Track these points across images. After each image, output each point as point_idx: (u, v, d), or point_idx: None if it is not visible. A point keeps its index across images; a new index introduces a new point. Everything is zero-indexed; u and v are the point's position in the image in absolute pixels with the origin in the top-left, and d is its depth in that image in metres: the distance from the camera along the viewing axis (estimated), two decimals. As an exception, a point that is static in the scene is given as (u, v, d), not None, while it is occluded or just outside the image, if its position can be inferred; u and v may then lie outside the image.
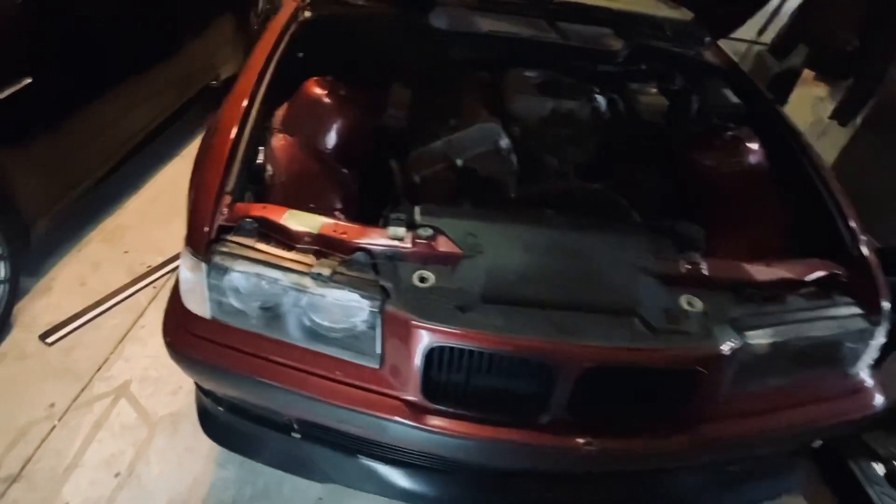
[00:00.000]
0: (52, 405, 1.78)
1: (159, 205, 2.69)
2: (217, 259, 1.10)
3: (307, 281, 1.08)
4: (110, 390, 1.85)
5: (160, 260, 2.37)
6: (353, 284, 1.07)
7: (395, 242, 1.13)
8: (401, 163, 1.59)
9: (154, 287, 2.25)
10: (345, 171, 1.51)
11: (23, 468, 1.61)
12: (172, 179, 2.89)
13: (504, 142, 1.47)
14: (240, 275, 1.10)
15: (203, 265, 1.11)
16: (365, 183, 1.56)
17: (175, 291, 1.27)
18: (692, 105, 1.73)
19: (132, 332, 2.06)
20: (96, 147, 2.37)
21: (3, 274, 1.87)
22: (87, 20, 2.23)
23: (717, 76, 1.88)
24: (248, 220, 1.14)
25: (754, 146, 1.57)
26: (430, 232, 1.13)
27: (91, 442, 1.70)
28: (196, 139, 3.23)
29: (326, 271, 1.08)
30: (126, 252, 2.40)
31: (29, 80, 1.90)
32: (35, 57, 1.98)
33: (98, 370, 1.91)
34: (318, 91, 1.51)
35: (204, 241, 1.12)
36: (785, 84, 2.83)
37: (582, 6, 1.99)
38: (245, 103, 1.38)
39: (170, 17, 2.85)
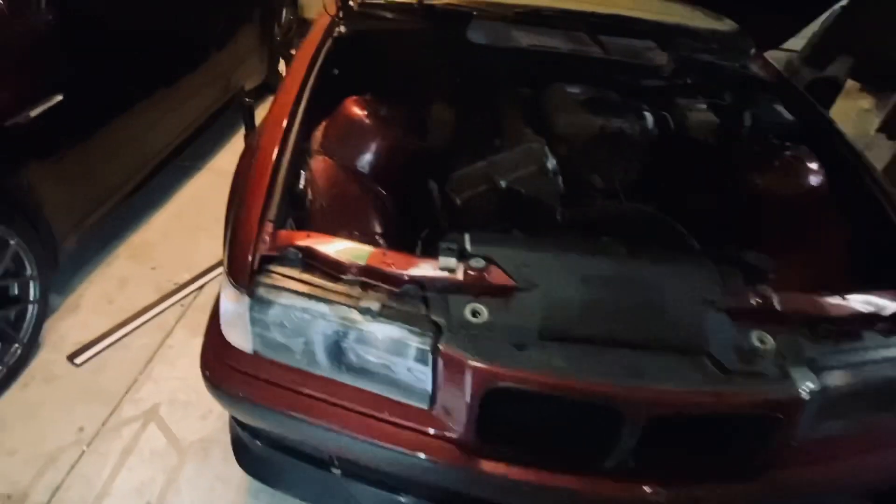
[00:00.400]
0: (82, 429, 1.74)
1: (185, 220, 2.67)
2: (261, 292, 1.05)
3: (355, 315, 1.03)
4: (139, 414, 1.81)
5: (187, 277, 2.34)
6: (403, 319, 1.02)
7: (446, 274, 1.07)
8: (439, 184, 1.53)
9: (182, 305, 2.21)
10: (384, 192, 1.46)
11: (52, 496, 1.57)
12: (197, 193, 2.86)
13: (550, 162, 1.41)
14: (284, 308, 1.05)
15: (246, 297, 1.06)
16: (402, 204, 1.51)
17: (213, 321, 1.22)
18: (744, 122, 1.66)
19: (160, 351, 2.02)
20: (125, 162, 2.35)
21: (33, 294, 1.84)
22: (117, 35, 2.21)
23: (767, 90, 1.80)
24: (292, 249, 1.09)
25: (814, 166, 1.49)
26: (482, 263, 1.07)
27: (121, 469, 1.65)
28: (220, 152, 3.23)
29: (375, 305, 1.02)
30: (153, 268, 2.37)
31: (60, 98, 1.88)
32: (66, 74, 1.96)
33: (127, 392, 1.87)
34: (357, 111, 1.46)
35: (246, 271, 1.07)
36: (824, 94, 2.74)
37: (622, 18, 1.92)
38: (284, 125, 1.33)
39: (197, 30, 2.84)
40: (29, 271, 1.80)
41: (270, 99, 3.86)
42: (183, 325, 2.13)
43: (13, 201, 1.76)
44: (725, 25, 2.07)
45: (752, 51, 2.00)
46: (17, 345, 1.82)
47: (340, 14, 1.87)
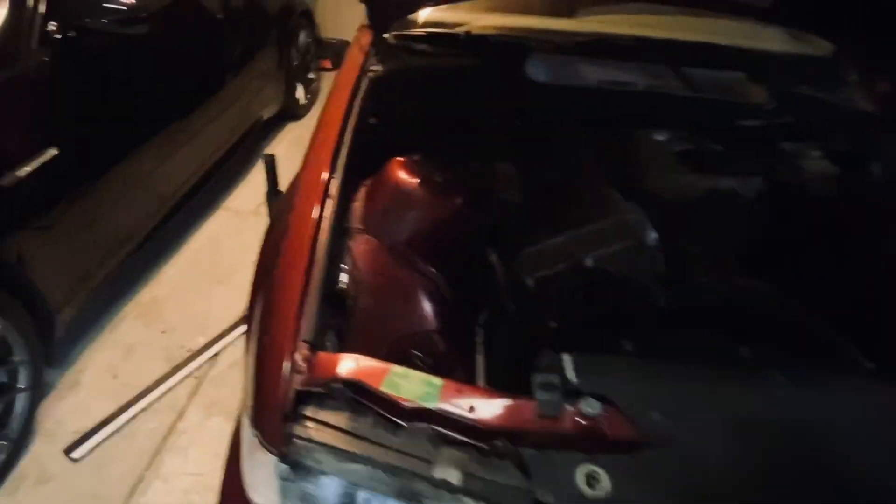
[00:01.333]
0: (78, 546, 1.48)
1: (198, 271, 2.41)
2: (296, 451, 0.77)
3: (426, 488, 0.75)
4: (146, 523, 1.55)
5: (201, 341, 2.08)
6: (493, 495, 0.73)
7: (548, 423, 0.78)
8: (503, 258, 1.25)
9: (195, 377, 1.95)
10: (436, 272, 1.17)
11: None
12: (212, 238, 2.61)
13: (651, 236, 1.12)
14: (328, 478, 0.77)
15: (275, 459, 0.79)
16: (458, 283, 1.22)
17: (232, 465, 0.94)
18: (872, 172, 1.35)
19: (170, 438, 1.76)
20: (132, 212, 2.10)
21: (23, 381, 1.59)
22: (120, 71, 1.98)
23: (887, 129, 1.49)
24: (336, 385, 0.81)
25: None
26: (597, 408, 0.78)
27: None
28: (236, 189, 2.98)
29: (455, 475, 0.74)
30: (163, 332, 2.11)
31: (55, 152, 1.64)
32: (61, 122, 1.72)
33: (132, 494, 1.60)
34: (406, 178, 1.18)
35: (276, 422, 0.79)
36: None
37: (704, 46, 1.63)
38: (318, 197, 1.06)
39: (210, 59, 2.60)
40: (17, 356, 1.55)
41: (288, 128, 3.69)
42: (197, 403, 1.87)
43: (4, 283, 1.51)
44: (820, 48, 1.76)
45: (854, 78, 1.70)
46: (4, 442, 1.56)
47: (375, 50, 1.61)
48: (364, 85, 1.45)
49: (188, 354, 2.02)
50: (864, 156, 1.40)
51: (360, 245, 1.09)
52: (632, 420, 0.78)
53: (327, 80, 4.12)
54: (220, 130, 2.66)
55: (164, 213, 2.28)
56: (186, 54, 2.39)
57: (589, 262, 1.14)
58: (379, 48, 1.62)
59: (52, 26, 1.69)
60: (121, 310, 2.18)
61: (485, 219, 1.22)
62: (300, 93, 3.74)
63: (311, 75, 3.94)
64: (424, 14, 1.69)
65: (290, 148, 3.44)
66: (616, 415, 0.78)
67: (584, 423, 0.78)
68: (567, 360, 0.84)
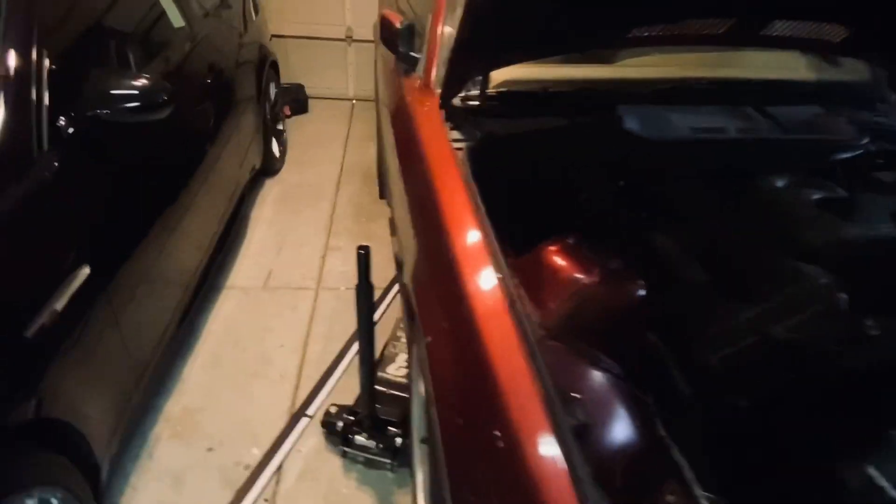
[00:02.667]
0: None
1: (225, 368, 2.14)
2: None
3: None
4: None
5: (257, 453, 1.82)
6: None
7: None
8: (665, 337, 1.15)
9: (265, 501, 1.70)
10: (619, 367, 1.06)
11: None
12: (227, 326, 2.34)
13: (842, 298, 1.07)
14: None
15: None
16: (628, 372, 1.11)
17: None
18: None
19: (261, 581, 1.51)
20: (158, 316, 1.82)
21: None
22: (135, 163, 1.71)
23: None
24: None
25: None
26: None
27: None
28: (235, 264, 2.68)
29: None
30: (210, 449, 1.83)
31: (87, 271, 1.37)
32: (89, 233, 1.45)
33: None
34: (579, 270, 1.05)
35: None
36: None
37: (775, 83, 1.64)
38: (504, 309, 0.90)
39: (209, 132, 2.34)
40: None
41: (268, 186, 3.42)
42: (277, 532, 1.62)
43: (50, 443, 1.22)
44: (856, 73, 1.84)
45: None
46: None
47: (447, 118, 1.48)
48: (463, 158, 1.32)
49: (248, 471, 1.76)
50: None
51: (557, 357, 0.95)
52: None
53: (291, 130, 3.89)
54: (218, 204, 2.40)
55: (185, 306, 2.00)
56: (191, 130, 2.13)
57: (779, 333, 1.07)
58: (452, 116, 1.50)
59: (61, 121, 1.42)
60: (151, 430, 1.87)
61: (656, 301, 1.12)
62: (274, 147, 3.50)
63: (280, 126, 3.72)
64: (494, 75, 1.59)
65: (277, 208, 3.20)
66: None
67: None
68: None
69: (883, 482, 0.84)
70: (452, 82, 1.44)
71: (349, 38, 4.49)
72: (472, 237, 1.08)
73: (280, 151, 3.60)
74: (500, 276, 0.98)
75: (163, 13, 2.20)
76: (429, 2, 2.19)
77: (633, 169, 1.38)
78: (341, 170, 3.66)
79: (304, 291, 2.57)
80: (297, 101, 4.41)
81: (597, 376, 0.96)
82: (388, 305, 2.49)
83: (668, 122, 1.47)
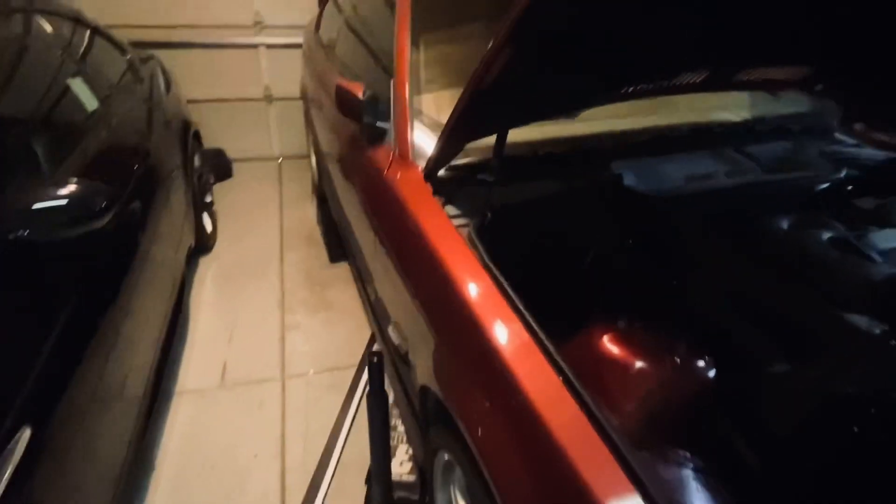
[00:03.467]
0: None
1: (195, 497, 1.83)
2: None
3: None
4: None
5: None
6: None
7: None
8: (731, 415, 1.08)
9: None
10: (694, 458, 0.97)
11: None
12: (189, 439, 2.02)
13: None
14: None
15: None
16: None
17: None
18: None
19: None
20: (113, 450, 1.51)
21: None
22: (68, 279, 1.43)
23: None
24: None
25: None
26: None
27: None
28: (182, 364, 2.37)
29: None
30: None
31: (29, 432, 1.09)
32: (26, 385, 1.16)
33: None
34: (644, 360, 0.97)
35: None
36: None
37: (745, 124, 1.69)
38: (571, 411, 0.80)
39: (144, 221, 2.05)
40: None
41: (203, 264, 3.11)
42: None
43: None
44: (801, 105, 1.94)
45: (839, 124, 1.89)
46: None
47: (437, 192, 1.37)
48: (472, 237, 1.21)
49: None
50: None
51: (654, 471, 0.84)
52: None
53: (218, 198, 3.60)
54: (159, 302, 2.11)
55: (141, 425, 1.70)
56: (123, 226, 1.85)
57: (846, 390, 1.03)
58: (440, 189, 1.39)
59: (-24, 250, 1.15)
60: None
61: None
62: (206, 221, 3.21)
63: (209, 198, 3.43)
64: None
65: (218, 289, 2.91)
66: None
67: None
68: None
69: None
70: (444, 154, 1.33)
71: (269, 97, 4.30)
72: (514, 331, 0.98)
73: (212, 225, 3.31)
74: (568, 377, 0.87)
75: (73, 96, 1.94)
76: (371, 67, 2.12)
77: (646, 229, 1.33)
78: (282, 236, 3.42)
79: (268, 383, 2.30)
80: (220, 166, 4.12)
81: (694, 482, 0.87)
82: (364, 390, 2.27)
83: (664, 174, 1.46)
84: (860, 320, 1.09)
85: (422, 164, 1.49)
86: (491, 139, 1.35)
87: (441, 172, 1.43)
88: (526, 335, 0.99)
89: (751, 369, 1.05)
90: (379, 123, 1.66)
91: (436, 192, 1.40)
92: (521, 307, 1.03)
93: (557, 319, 1.02)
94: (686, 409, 0.96)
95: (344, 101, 1.69)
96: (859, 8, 1.18)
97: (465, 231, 1.26)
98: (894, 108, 1.73)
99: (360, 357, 2.42)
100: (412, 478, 1.66)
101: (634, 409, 0.92)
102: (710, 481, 0.87)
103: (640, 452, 0.88)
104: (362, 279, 2.14)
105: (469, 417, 1.01)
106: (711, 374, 0.97)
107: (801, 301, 1.15)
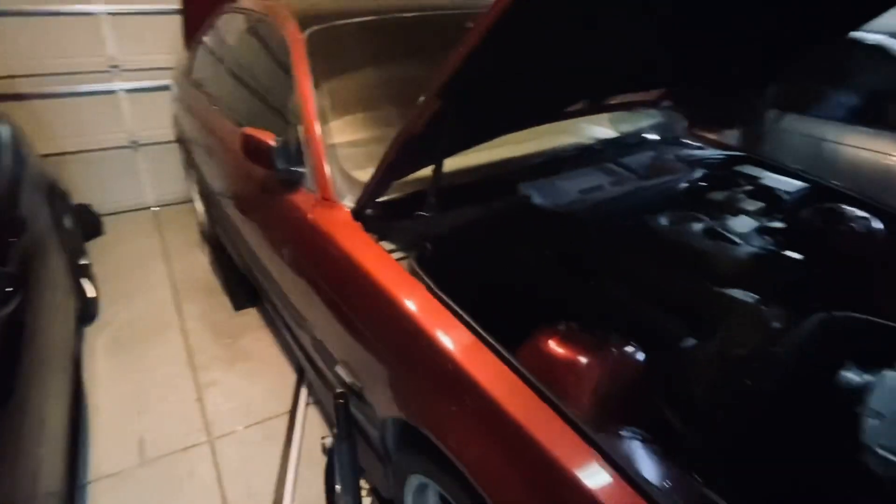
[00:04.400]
0: None
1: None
2: None
3: None
4: None
5: None
6: None
7: None
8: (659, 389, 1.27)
9: None
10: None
11: None
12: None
13: (767, 310, 1.31)
14: None
15: None
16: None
17: None
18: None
19: None
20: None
21: None
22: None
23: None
24: None
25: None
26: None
27: None
28: (92, 450, 2.12)
29: None
30: None
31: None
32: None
33: None
34: (589, 354, 1.10)
35: None
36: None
37: (616, 141, 1.97)
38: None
39: (27, 312, 1.83)
40: None
41: (89, 336, 2.82)
42: None
43: None
44: (650, 117, 2.29)
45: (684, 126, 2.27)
46: None
47: (367, 231, 1.44)
48: (413, 268, 1.30)
49: None
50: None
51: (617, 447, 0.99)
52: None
53: (94, 259, 3.30)
54: (57, 384, 1.90)
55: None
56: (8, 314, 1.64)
57: (739, 353, 1.27)
58: (370, 226, 1.46)
59: None
60: None
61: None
62: (87, 286, 2.92)
63: (84, 259, 3.13)
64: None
65: (114, 358, 2.66)
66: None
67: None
68: None
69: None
70: (376, 193, 1.41)
71: (135, 144, 4.01)
72: (471, 345, 1.09)
73: (93, 290, 3.01)
74: (527, 378, 1.00)
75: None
76: (267, 113, 2.13)
77: (555, 239, 1.52)
78: (175, 290, 3.20)
79: (195, 449, 2.16)
80: (87, 223, 3.76)
81: (642, 449, 1.03)
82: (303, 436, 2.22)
83: (562, 190, 1.66)
84: (737, 293, 1.35)
85: (346, 204, 1.55)
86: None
87: (370, 211, 1.50)
88: (482, 347, 1.10)
89: (666, 348, 1.26)
90: (294, 168, 1.68)
91: (367, 230, 1.46)
92: (473, 324, 1.13)
93: (505, 330, 1.15)
94: (627, 389, 1.13)
95: (253, 148, 1.69)
96: (693, 49, 1.48)
97: (404, 263, 1.35)
98: (720, 115, 2.13)
99: (290, 403, 2.36)
100: (375, 511, 1.68)
101: (587, 397, 1.07)
102: (652, 445, 1.04)
103: (598, 431, 1.03)
104: (286, 324, 2.11)
105: (443, 431, 1.09)
106: (641, 357, 1.15)
107: (691, 284, 1.40)
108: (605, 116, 2.11)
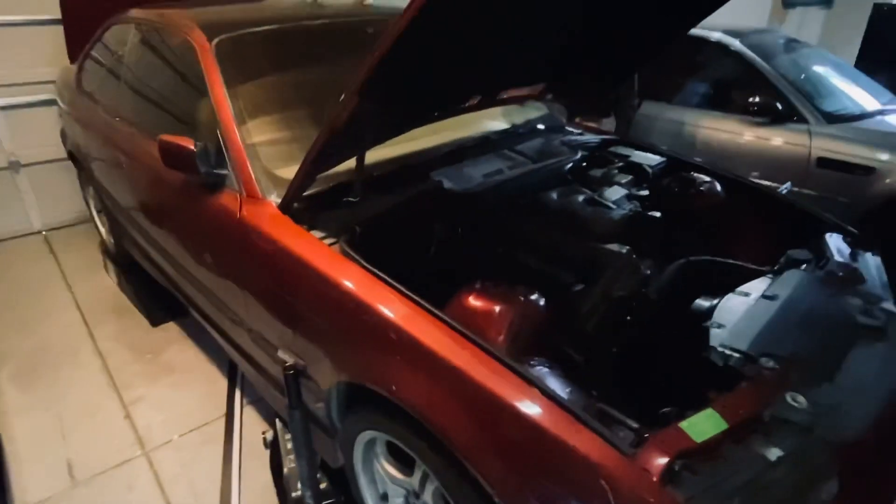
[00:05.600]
0: None
1: None
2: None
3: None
4: None
5: None
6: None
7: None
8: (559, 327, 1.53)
9: None
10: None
11: None
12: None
13: (645, 266, 1.62)
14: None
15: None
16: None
17: None
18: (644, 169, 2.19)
19: None
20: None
21: None
22: None
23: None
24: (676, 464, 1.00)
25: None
26: (770, 362, 1.23)
27: None
28: (16, 476, 2.04)
29: (774, 452, 1.07)
30: None
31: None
32: None
33: None
34: (502, 303, 1.32)
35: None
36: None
37: (507, 132, 2.24)
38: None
39: None
40: None
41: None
42: None
43: None
44: (537, 110, 2.60)
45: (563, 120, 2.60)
46: None
47: (298, 224, 1.57)
48: (345, 250, 1.45)
49: None
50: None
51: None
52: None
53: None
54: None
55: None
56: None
57: (618, 293, 1.57)
58: (299, 218, 1.59)
59: None
60: None
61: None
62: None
63: None
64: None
65: (22, 389, 2.55)
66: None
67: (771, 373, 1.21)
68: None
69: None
70: (303, 186, 1.54)
71: (15, 165, 3.75)
72: (405, 309, 1.27)
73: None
74: (456, 328, 1.20)
75: None
76: (167, 119, 2.17)
77: (466, 216, 1.74)
78: (82, 314, 3.07)
79: (130, 463, 2.15)
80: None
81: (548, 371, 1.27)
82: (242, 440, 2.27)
83: (468, 175, 1.88)
84: (615, 247, 1.64)
85: (273, 200, 1.66)
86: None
87: (296, 204, 1.63)
88: (415, 308, 1.28)
89: (562, 295, 1.53)
90: (216, 171, 1.76)
91: (297, 221, 1.59)
92: (405, 292, 1.31)
93: (432, 293, 1.34)
94: (534, 329, 1.36)
95: (172, 154, 1.74)
96: (564, 50, 1.77)
97: (336, 247, 1.50)
98: (596, 106, 2.48)
99: (224, 406, 2.40)
100: (324, 484, 1.81)
101: (503, 336, 1.29)
102: (557, 371, 1.28)
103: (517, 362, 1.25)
104: (216, 327, 2.16)
105: (389, 382, 1.26)
106: (542, 302, 1.40)
107: (578, 243, 1.68)
108: (499, 110, 2.38)
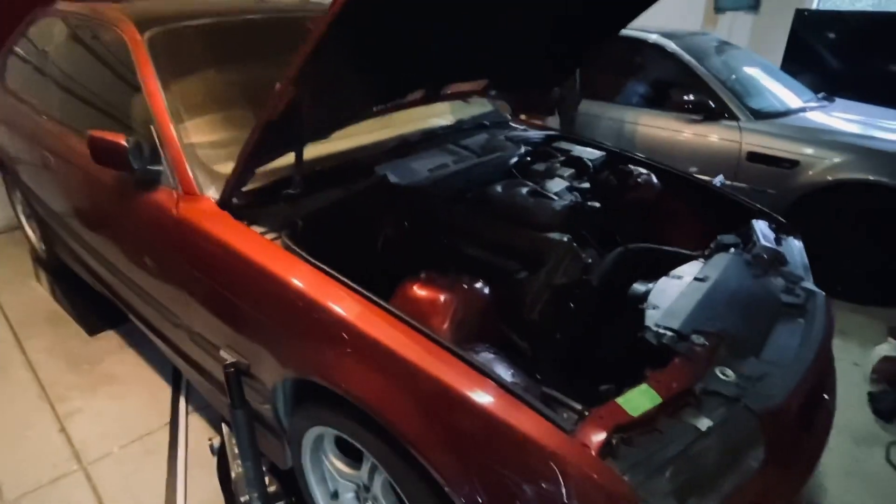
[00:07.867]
0: None
1: None
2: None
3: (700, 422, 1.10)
4: None
5: None
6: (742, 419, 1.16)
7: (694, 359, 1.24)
8: (503, 314, 1.55)
9: None
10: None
11: None
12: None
13: (590, 252, 1.67)
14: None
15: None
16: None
17: None
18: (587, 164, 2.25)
19: None
20: None
21: None
22: None
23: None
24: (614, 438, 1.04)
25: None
26: (701, 339, 1.29)
27: None
28: None
29: (705, 422, 1.12)
30: None
31: None
32: None
33: None
34: (446, 292, 1.32)
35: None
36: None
37: (452, 127, 2.26)
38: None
39: None
40: None
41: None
42: None
43: None
44: (482, 106, 2.63)
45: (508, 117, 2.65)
46: None
47: (238, 219, 1.53)
48: (287, 244, 1.43)
49: None
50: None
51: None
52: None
53: None
54: None
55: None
56: None
57: (561, 280, 1.61)
58: (239, 214, 1.56)
59: None
60: None
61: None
62: None
63: None
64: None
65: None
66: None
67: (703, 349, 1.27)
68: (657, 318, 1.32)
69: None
70: (241, 181, 1.51)
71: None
72: (350, 301, 1.26)
73: None
74: (404, 318, 1.20)
75: None
76: (98, 115, 2.08)
77: (412, 209, 1.75)
78: (10, 326, 2.89)
79: (66, 479, 2.03)
80: None
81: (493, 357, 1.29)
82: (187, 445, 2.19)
83: (413, 169, 1.89)
84: (556, 235, 1.69)
85: (211, 196, 1.62)
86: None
87: (236, 200, 1.59)
88: (360, 300, 1.27)
89: (505, 282, 1.55)
90: (151, 167, 1.70)
91: (237, 217, 1.55)
92: (349, 284, 1.31)
93: (377, 286, 1.34)
94: (478, 316, 1.38)
95: (104, 151, 1.67)
96: (511, 45, 1.81)
97: (278, 241, 1.47)
98: (539, 103, 2.54)
99: (168, 415, 2.31)
100: (273, 487, 1.77)
101: (448, 324, 1.30)
102: (504, 358, 1.30)
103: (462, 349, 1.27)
104: (157, 331, 2.08)
105: (336, 376, 1.24)
106: (486, 290, 1.42)
107: (522, 232, 1.71)
108: (444, 106, 2.40)
